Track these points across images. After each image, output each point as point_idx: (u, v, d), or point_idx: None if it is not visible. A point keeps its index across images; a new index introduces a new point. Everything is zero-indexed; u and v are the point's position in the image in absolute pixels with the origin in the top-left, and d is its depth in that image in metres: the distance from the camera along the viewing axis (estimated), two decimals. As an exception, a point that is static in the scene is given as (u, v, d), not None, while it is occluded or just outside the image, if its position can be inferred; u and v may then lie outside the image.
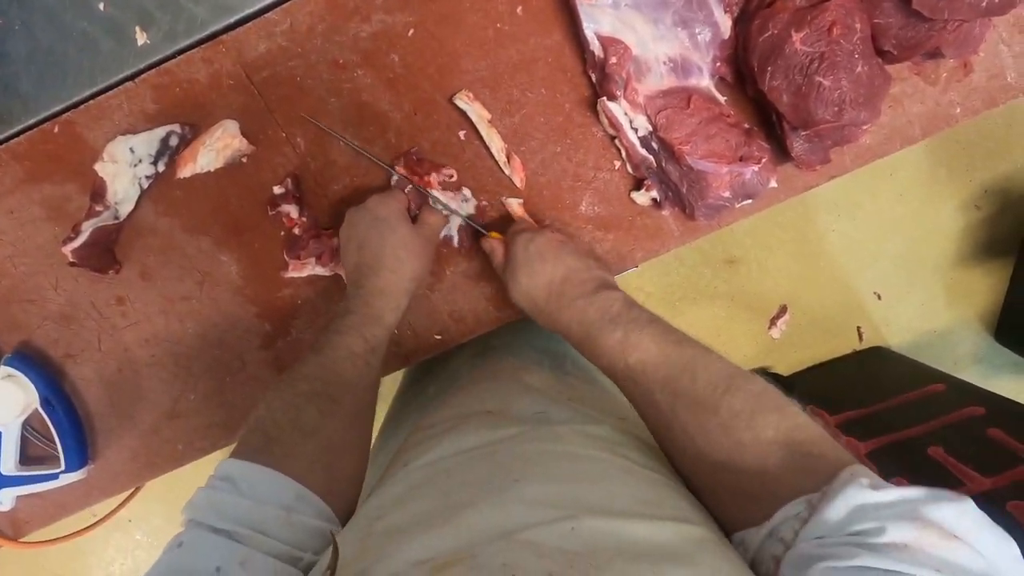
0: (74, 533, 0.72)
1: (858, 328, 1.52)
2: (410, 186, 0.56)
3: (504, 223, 0.57)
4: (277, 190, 0.56)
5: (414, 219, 0.55)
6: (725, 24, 0.53)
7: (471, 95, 0.55)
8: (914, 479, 1.02)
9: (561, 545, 0.30)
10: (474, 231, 0.57)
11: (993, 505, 0.92)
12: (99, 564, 1.66)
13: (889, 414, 1.24)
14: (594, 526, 0.31)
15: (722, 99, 0.55)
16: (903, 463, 1.08)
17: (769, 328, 1.51)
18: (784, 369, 1.54)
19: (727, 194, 0.55)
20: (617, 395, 0.65)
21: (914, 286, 1.51)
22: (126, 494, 0.69)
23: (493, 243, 0.54)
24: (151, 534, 1.65)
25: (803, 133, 0.53)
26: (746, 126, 0.55)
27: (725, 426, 0.37)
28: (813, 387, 1.43)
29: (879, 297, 1.51)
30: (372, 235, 0.51)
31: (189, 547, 0.34)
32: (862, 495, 0.30)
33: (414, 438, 0.56)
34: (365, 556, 0.34)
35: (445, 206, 0.57)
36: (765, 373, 1.52)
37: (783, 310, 1.50)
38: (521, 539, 0.31)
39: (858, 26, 0.49)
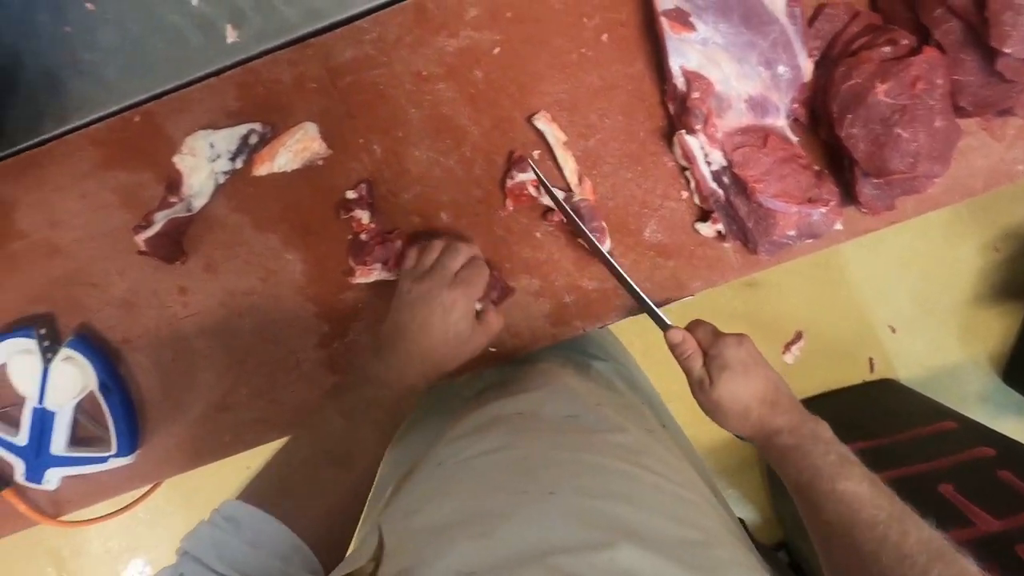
0: (107, 515, 0.73)
1: (870, 359, 1.54)
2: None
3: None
4: (351, 195, 0.57)
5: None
6: (807, 67, 0.54)
7: (549, 116, 0.56)
8: (923, 515, 1.04)
9: None
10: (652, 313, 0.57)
11: (1003, 547, 0.94)
12: (98, 538, 1.66)
13: (898, 448, 1.26)
14: (630, 558, 0.32)
15: (795, 139, 0.56)
16: (911, 499, 1.09)
17: (783, 352, 1.52)
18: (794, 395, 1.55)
19: (793, 233, 0.56)
20: (640, 404, 0.67)
21: (928, 322, 1.53)
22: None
23: (686, 336, 0.54)
24: (152, 511, 1.65)
25: (874, 180, 0.54)
26: (816, 168, 0.56)
27: None
28: (822, 415, 1.44)
29: (893, 330, 1.53)
30: (438, 324, 0.51)
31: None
32: None
33: (444, 438, 0.57)
34: (404, 553, 0.35)
35: (625, 281, 0.57)
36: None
37: (799, 336, 1.52)
38: (560, 567, 0.32)
39: (940, 82, 0.50)
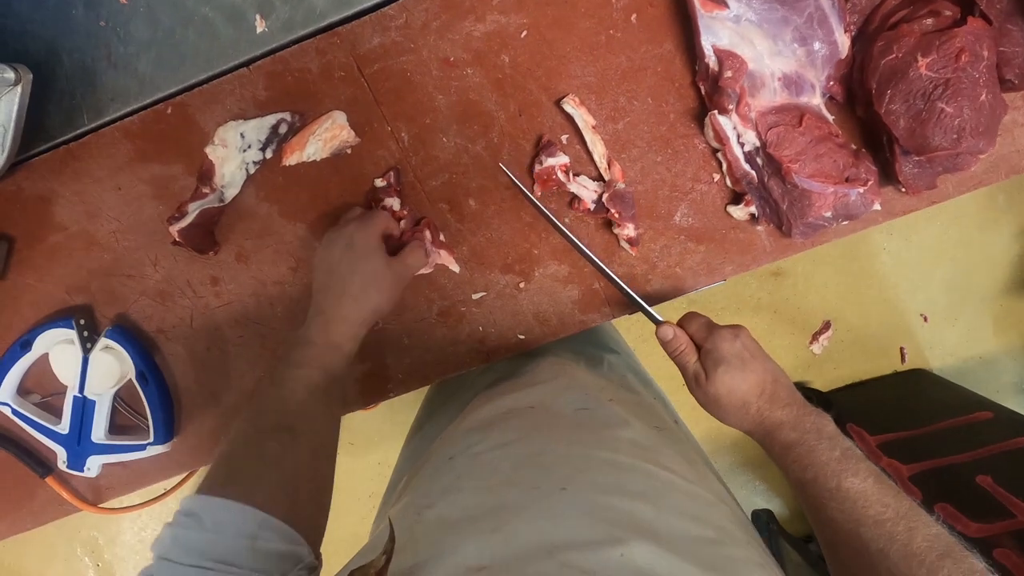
0: (143, 503, 0.74)
1: (901, 349, 1.51)
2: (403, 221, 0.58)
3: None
4: (379, 183, 0.57)
5: (396, 250, 0.55)
6: (844, 43, 0.52)
7: (578, 100, 0.55)
8: (961, 507, 1.02)
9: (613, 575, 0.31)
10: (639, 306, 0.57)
11: (1046, 539, 0.91)
12: (132, 528, 1.70)
13: (933, 439, 1.23)
14: (643, 554, 0.32)
15: (830, 118, 0.55)
16: (949, 489, 1.07)
17: (811, 343, 1.50)
18: (822, 385, 1.53)
19: (828, 214, 0.54)
20: (653, 400, 0.66)
21: (962, 311, 1.49)
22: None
23: (677, 331, 0.53)
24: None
25: (915, 158, 0.52)
26: (853, 147, 0.55)
27: None
28: (852, 405, 1.42)
29: (925, 319, 1.49)
30: (344, 261, 0.51)
31: None
32: None
33: (456, 431, 0.57)
34: (417, 546, 0.35)
35: (621, 286, 0.57)
36: (803, 389, 1.51)
37: (826, 326, 1.49)
38: (572, 562, 0.32)
39: (986, 54, 0.49)
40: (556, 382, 0.60)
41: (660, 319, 0.55)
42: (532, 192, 0.58)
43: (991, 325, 1.50)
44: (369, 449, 1.56)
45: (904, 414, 1.33)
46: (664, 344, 0.54)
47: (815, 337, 1.49)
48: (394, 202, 0.57)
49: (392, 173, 0.57)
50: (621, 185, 0.56)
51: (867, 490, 0.42)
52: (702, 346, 0.52)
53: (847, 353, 1.50)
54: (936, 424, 1.26)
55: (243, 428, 0.45)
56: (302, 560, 0.40)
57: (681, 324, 0.54)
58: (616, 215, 0.56)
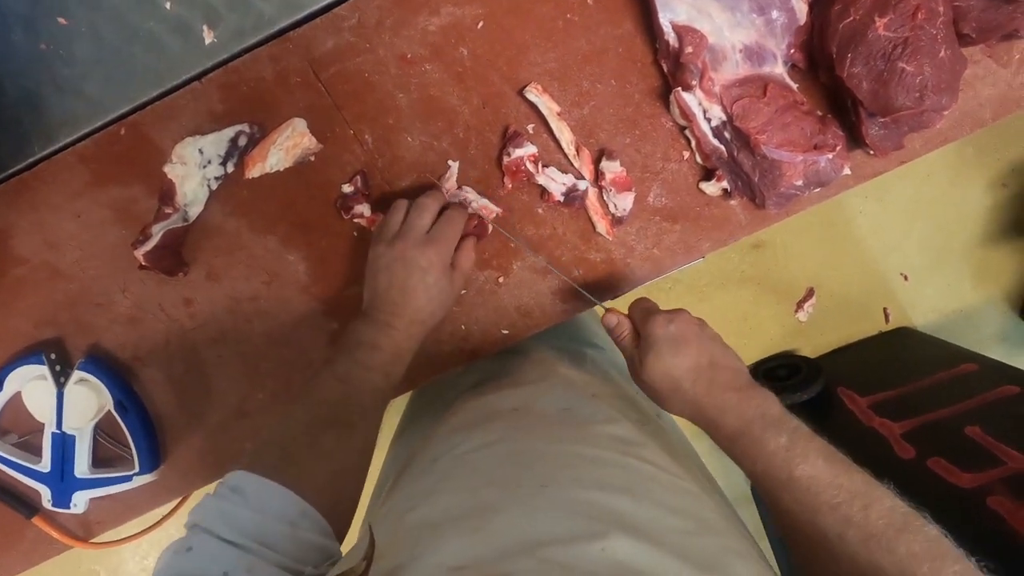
0: (139, 533, 0.73)
1: (884, 309, 1.53)
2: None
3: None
4: (347, 188, 0.56)
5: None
6: (801, 10, 0.52)
7: (540, 87, 0.55)
8: (954, 459, 1.03)
9: (593, 570, 0.31)
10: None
11: (1037, 483, 0.93)
12: (133, 557, 1.68)
13: (921, 395, 1.25)
14: (624, 548, 0.32)
15: (794, 86, 0.55)
16: (940, 443, 1.09)
17: (796, 311, 1.51)
18: (810, 352, 1.55)
19: (800, 183, 0.54)
20: (636, 395, 0.66)
21: (941, 266, 1.51)
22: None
23: (619, 317, 0.52)
24: (182, 526, 1.66)
25: (880, 120, 0.52)
26: (819, 113, 0.54)
27: (901, 568, 0.37)
28: (841, 369, 1.43)
29: (906, 278, 1.51)
30: (410, 280, 0.51)
31: (198, 552, 0.34)
32: None
33: (439, 433, 0.57)
34: (398, 549, 0.35)
35: (549, 264, 0.57)
36: (792, 356, 1.52)
37: (810, 293, 1.50)
38: (552, 558, 0.32)
39: (941, 9, 0.48)
40: (540, 383, 0.60)
41: (605, 307, 0.54)
42: (504, 186, 0.57)
43: (970, 278, 1.52)
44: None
45: (892, 373, 1.35)
46: (608, 332, 0.53)
47: (799, 305, 1.50)
48: (364, 208, 0.56)
49: (359, 177, 0.56)
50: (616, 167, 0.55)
51: (818, 475, 0.41)
52: (639, 332, 0.51)
53: (832, 318, 1.52)
54: (924, 380, 1.28)
55: (301, 416, 0.45)
56: (332, 556, 0.39)
57: (629, 310, 0.54)
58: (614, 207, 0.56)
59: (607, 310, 0.54)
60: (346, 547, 0.42)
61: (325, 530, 0.39)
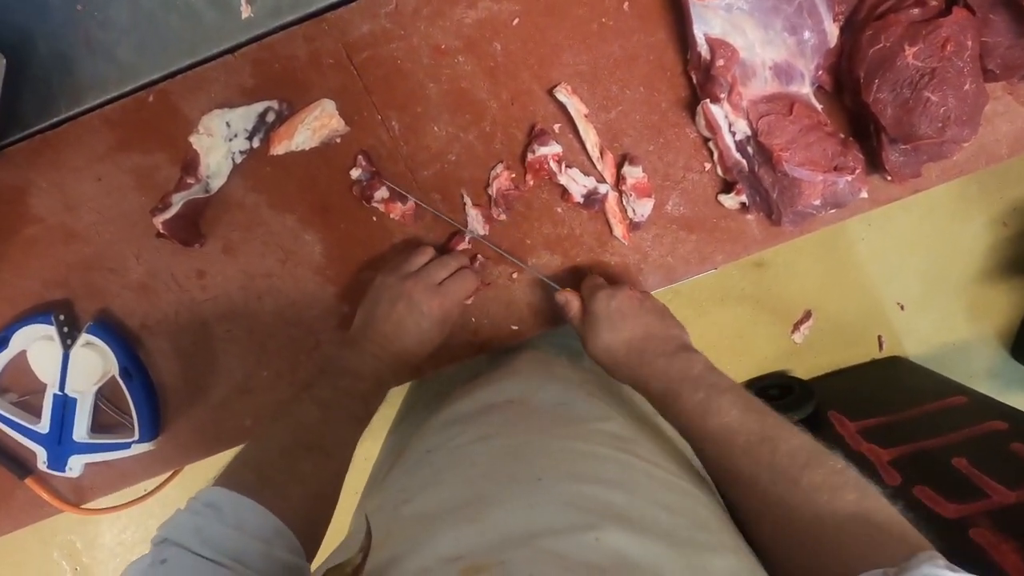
0: (129, 502, 0.73)
1: (879, 337, 1.54)
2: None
3: (571, 274, 0.59)
4: (355, 174, 0.56)
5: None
6: (833, 33, 0.53)
7: (570, 88, 0.55)
8: (939, 489, 1.05)
9: (587, 559, 0.31)
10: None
11: (1020, 518, 0.94)
12: (111, 530, 1.66)
13: (910, 423, 1.26)
14: (618, 539, 0.33)
15: (819, 107, 0.56)
16: (926, 472, 1.10)
17: (792, 332, 1.52)
18: (803, 373, 1.56)
19: (817, 202, 0.55)
20: (631, 395, 0.67)
21: (937, 299, 1.53)
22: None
23: (568, 296, 0.55)
24: (164, 504, 1.65)
25: (901, 146, 0.53)
26: (841, 136, 0.55)
27: (805, 498, 0.39)
28: (833, 393, 1.45)
29: (902, 308, 1.53)
30: (410, 321, 0.53)
31: (173, 566, 0.34)
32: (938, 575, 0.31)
33: (434, 425, 0.57)
34: (394, 541, 0.35)
35: (519, 261, 0.58)
36: (785, 377, 1.53)
37: (807, 315, 1.51)
38: (547, 548, 0.32)
39: (969, 44, 0.49)
40: (537, 378, 0.60)
41: (556, 287, 0.57)
42: (525, 182, 0.57)
43: (964, 313, 1.54)
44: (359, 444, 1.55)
45: (883, 400, 1.37)
46: (562, 310, 0.56)
47: (796, 326, 1.51)
48: (383, 192, 0.56)
49: (361, 156, 0.56)
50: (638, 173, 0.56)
51: (731, 423, 0.43)
52: (585, 309, 0.54)
53: (827, 341, 1.53)
54: (913, 409, 1.29)
55: (280, 437, 0.45)
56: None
57: (581, 288, 0.56)
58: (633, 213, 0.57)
59: (558, 289, 0.56)
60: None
61: (297, 550, 0.39)
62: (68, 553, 1.67)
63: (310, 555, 0.42)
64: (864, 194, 0.56)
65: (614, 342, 0.51)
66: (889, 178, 0.56)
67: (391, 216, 0.57)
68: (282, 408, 0.47)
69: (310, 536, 0.42)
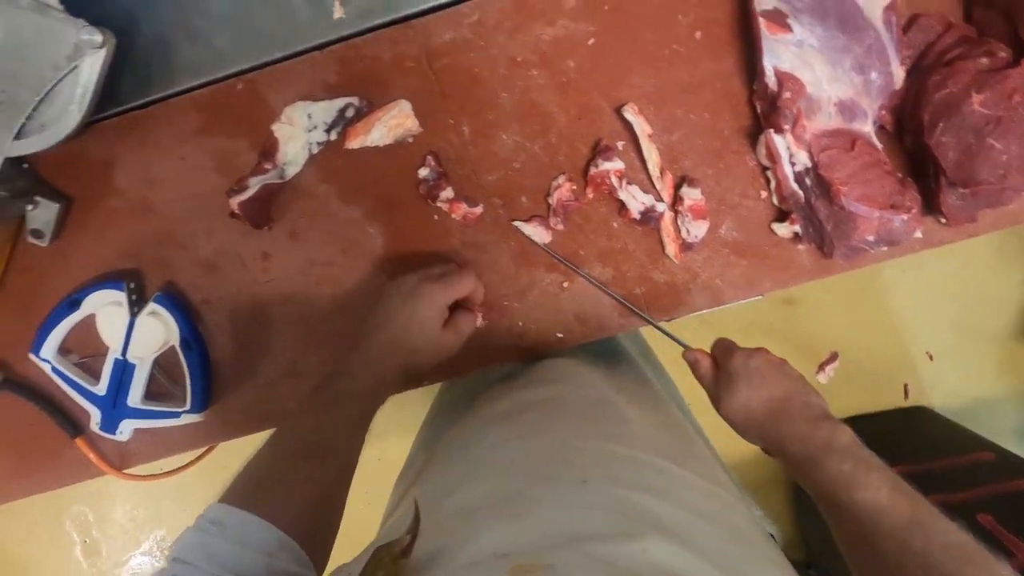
0: (167, 472, 0.75)
1: (905, 385, 1.52)
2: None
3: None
4: (423, 172, 0.58)
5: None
6: (899, 75, 0.55)
7: (637, 108, 0.57)
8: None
9: (633, 568, 0.31)
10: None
11: (1046, 580, 0.92)
12: (124, 506, 1.69)
13: (934, 475, 1.24)
14: (663, 551, 0.33)
15: (879, 146, 0.57)
16: (949, 525, 1.08)
17: (817, 372, 1.51)
18: (825, 415, 1.54)
19: (871, 238, 0.56)
20: (666, 400, 0.67)
21: (967, 351, 1.51)
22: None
23: (699, 356, 0.56)
24: (179, 486, 1.67)
25: (960, 190, 0.54)
26: (899, 175, 0.56)
27: None
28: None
29: (931, 357, 1.51)
30: (411, 323, 0.52)
31: None
32: None
33: (471, 422, 0.58)
34: (440, 532, 0.36)
35: (621, 301, 0.60)
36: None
37: (833, 356, 1.50)
38: (594, 553, 0.32)
39: (1035, 96, 0.51)
40: (572, 379, 0.61)
41: (687, 346, 0.58)
42: (585, 195, 0.59)
43: (995, 368, 1.52)
44: (370, 444, 1.54)
45: (906, 450, 1.35)
46: (692, 368, 0.56)
47: (822, 366, 1.50)
48: (448, 192, 0.58)
49: (431, 157, 0.58)
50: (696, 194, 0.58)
51: (879, 501, 0.41)
52: (720, 367, 0.54)
53: (852, 385, 1.52)
54: (938, 461, 1.27)
55: (277, 448, 0.46)
56: None
57: (712, 348, 0.57)
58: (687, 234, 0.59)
59: (688, 347, 0.57)
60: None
61: (302, 560, 0.40)
62: (79, 524, 1.69)
63: (319, 565, 0.42)
64: (919, 234, 0.57)
65: (752, 400, 0.50)
66: (944, 220, 0.57)
67: (453, 216, 0.59)
68: (286, 418, 0.48)
69: (316, 544, 0.43)
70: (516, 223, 0.59)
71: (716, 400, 0.53)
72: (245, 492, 0.42)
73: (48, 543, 1.70)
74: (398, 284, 0.54)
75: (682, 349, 0.58)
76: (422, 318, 0.52)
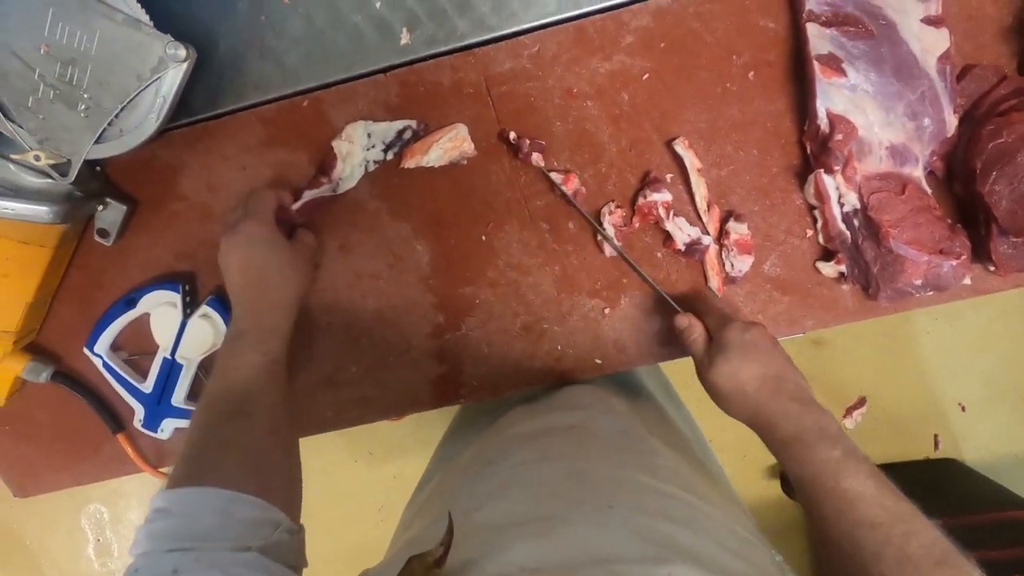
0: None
1: (935, 436, 1.49)
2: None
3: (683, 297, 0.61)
4: (513, 136, 0.58)
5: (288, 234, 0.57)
6: (951, 123, 0.55)
7: (687, 143, 0.59)
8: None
9: None
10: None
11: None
12: (140, 507, 1.70)
13: (964, 531, 1.19)
14: None
15: (929, 191, 0.57)
16: (982, 585, 1.04)
17: (844, 417, 1.48)
18: (850, 461, 1.51)
19: (919, 282, 0.56)
20: (688, 438, 0.67)
21: (1001, 405, 1.47)
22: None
23: (693, 320, 0.56)
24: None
25: (1011, 239, 0.54)
26: (949, 221, 0.57)
27: None
28: (881, 486, 1.39)
29: (963, 409, 1.48)
30: (255, 256, 0.53)
31: (144, 566, 0.36)
32: None
33: (494, 442, 0.58)
34: (468, 546, 0.36)
35: (644, 277, 0.60)
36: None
37: (861, 401, 1.48)
38: (622, 574, 0.32)
39: (1091, 150, 0.51)
40: (596, 407, 0.61)
41: (679, 309, 0.58)
42: (631, 224, 0.60)
43: (1029, 425, 1.48)
44: (387, 460, 1.56)
45: (935, 503, 1.30)
46: (680, 333, 0.56)
47: (849, 411, 1.48)
48: (538, 158, 0.59)
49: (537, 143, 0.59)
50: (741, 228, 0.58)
51: (865, 492, 0.42)
52: (713, 335, 0.54)
53: (880, 432, 1.49)
54: (968, 517, 1.23)
55: (197, 423, 0.47)
56: (279, 524, 0.41)
57: (700, 315, 0.57)
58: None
59: (680, 311, 0.57)
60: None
61: (261, 505, 0.40)
62: (95, 522, 1.71)
63: (288, 503, 0.43)
64: (967, 280, 0.56)
65: (743, 372, 0.50)
66: (993, 268, 0.57)
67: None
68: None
69: (274, 492, 0.43)
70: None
71: (704, 367, 0.52)
72: (181, 474, 0.42)
73: (63, 538, 1.71)
74: (224, 249, 0.54)
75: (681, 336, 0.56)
76: (264, 254, 0.53)
